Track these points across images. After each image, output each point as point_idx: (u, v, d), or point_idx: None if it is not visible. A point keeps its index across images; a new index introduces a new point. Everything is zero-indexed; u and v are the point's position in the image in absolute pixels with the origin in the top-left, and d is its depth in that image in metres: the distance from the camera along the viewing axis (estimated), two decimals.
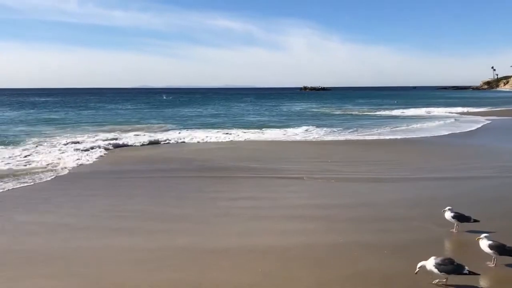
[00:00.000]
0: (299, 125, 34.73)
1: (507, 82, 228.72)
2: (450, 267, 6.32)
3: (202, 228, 9.31)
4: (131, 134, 27.94)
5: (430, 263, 6.38)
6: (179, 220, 9.90)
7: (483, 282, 6.57)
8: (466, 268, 6.36)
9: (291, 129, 32.16)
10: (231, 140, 25.75)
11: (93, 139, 24.76)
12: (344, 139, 26.01)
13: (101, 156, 19.65)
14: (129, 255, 7.80)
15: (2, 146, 21.94)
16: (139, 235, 8.88)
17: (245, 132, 29.65)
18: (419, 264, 6.47)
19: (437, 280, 6.48)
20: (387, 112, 52.24)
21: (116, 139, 24.96)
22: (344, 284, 6.50)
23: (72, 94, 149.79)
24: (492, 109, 52.96)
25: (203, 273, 6.99)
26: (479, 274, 6.48)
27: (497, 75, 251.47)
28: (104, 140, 24.03)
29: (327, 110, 58.31)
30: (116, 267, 7.28)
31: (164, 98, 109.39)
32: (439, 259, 6.37)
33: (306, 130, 31.31)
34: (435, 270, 6.31)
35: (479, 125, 32.60)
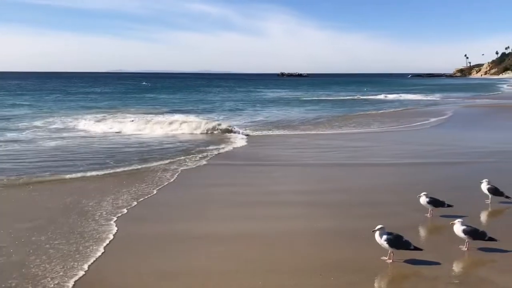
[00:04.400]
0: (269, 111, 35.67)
1: (479, 70, 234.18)
2: (398, 243, 6.74)
3: (185, 215, 9.31)
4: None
5: (381, 239, 6.78)
6: (158, 208, 9.82)
7: (456, 265, 6.78)
8: (412, 244, 6.81)
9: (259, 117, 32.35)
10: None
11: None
12: (320, 126, 26.13)
13: None
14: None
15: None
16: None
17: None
18: (378, 226, 6.86)
19: (385, 258, 6.86)
20: (365, 97, 52.91)
21: None
22: (323, 271, 6.57)
23: (43, 78, 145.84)
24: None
25: (186, 260, 7.03)
26: (422, 250, 6.84)
27: (469, 63, 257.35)
28: None
29: (302, 97, 58.59)
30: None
31: (144, 84, 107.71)
32: (391, 235, 6.78)
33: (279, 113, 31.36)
34: (385, 244, 6.75)
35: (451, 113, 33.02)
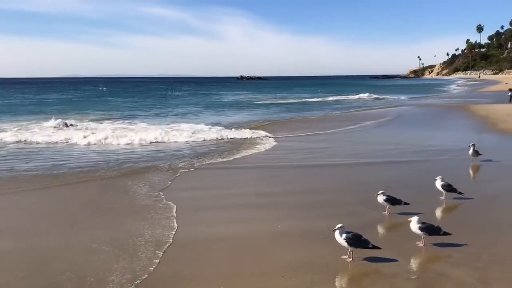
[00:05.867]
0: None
1: (432, 71, 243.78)
2: (357, 242, 6.87)
3: (152, 219, 9.11)
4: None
5: (341, 238, 6.90)
6: (118, 211, 9.54)
7: (414, 261, 6.96)
8: (370, 243, 6.94)
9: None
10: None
11: None
12: (274, 128, 26.27)
13: None
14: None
15: None
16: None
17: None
18: (338, 226, 6.96)
19: (345, 256, 6.98)
20: (319, 99, 54.00)
21: None
22: (286, 272, 6.59)
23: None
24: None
25: (148, 265, 6.90)
26: (380, 248, 6.97)
27: (422, 64, 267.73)
28: None
29: (258, 100, 59.11)
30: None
31: (100, 89, 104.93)
32: (350, 234, 6.90)
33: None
34: (344, 243, 6.87)
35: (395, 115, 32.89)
